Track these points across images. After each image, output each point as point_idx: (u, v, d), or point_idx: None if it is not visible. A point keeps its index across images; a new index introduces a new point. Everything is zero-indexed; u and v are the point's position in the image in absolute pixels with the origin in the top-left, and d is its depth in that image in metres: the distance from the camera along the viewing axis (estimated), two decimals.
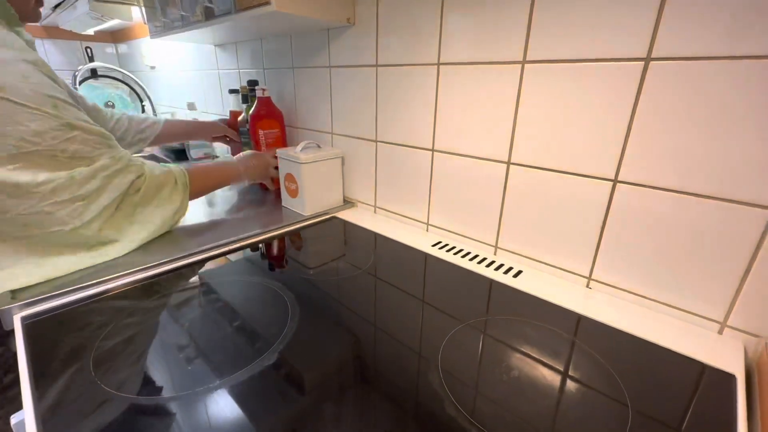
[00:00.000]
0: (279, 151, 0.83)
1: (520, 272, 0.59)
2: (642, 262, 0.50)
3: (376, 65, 0.73)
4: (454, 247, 0.68)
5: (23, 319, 0.47)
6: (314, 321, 0.48)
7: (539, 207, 0.57)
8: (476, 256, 0.65)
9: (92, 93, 1.82)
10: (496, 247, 0.65)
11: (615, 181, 0.49)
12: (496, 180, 0.61)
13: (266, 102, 0.93)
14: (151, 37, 1.06)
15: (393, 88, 0.72)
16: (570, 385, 0.38)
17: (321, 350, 0.43)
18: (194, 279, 0.57)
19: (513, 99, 0.56)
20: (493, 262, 0.62)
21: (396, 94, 0.72)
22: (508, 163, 0.59)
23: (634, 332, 0.45)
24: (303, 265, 0.63)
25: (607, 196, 0.50)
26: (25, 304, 0.49)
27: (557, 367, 0.40)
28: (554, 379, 0.39)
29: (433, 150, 0.69)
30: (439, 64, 0.63)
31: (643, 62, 0.44)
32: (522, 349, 0.43)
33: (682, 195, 0.45)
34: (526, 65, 0.53)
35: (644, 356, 0.42)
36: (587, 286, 0.56)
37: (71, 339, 0.44)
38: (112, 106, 1.88)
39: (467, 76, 0.60)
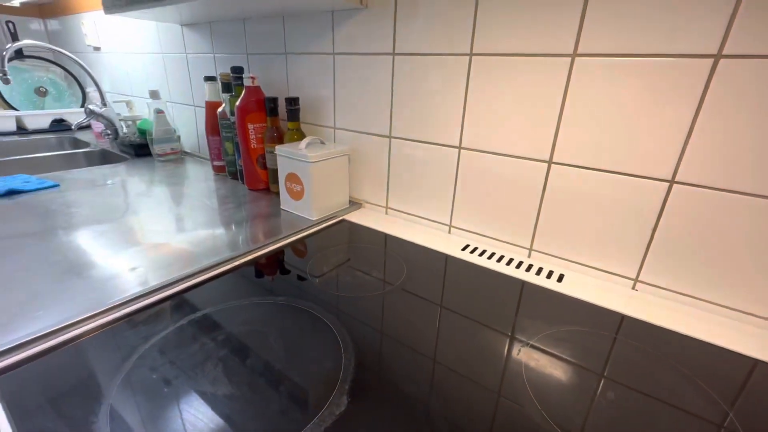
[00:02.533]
0: (279, 148, 0.74)
1: (562, 276, 0.57)
2: (698, 263, 0.49)
3: (393, 53, 0.67)
4: (485, 251, 0.64)
5: None
6: (374, 353, 0.41)
7: (583, 208, 0.55)
8: (511, 259, 0.61)
9: (18, 77, 1.55)
10: (530, 249, 0.62)
11: (672, 182, 0.48)
12: (534, 180, 0.58)
13: (256, 92, 0.82)
14: (105, 12, 0.90)
15: (413, 80, 0.66)
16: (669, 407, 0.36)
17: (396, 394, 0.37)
18: (205, 307, 0.48)
19: (559, 95, 0.53)
20: (531, 266, 0.60)
21: (416, 86, 0.66)
22: (550, 162, 0.56)
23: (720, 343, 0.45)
24: (329, 280, 0.56)
25: (663, 197, 0.49)
26: None
27: (652, 387, 0.38)
28: (655, 401, 0.37)
29: (460, 147, 0.65)
30: (471, 54, 0.58)
31: (712, 59, 0.42)
32: (608, 368, 0.40)
33: (744, 196, 0.44)
34: (577, 58, 0.50)
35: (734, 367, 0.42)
36: (633, 288, 0.55)
37: (62, 398, 0.34)
38: (45, 92, 1.62)
39: (504, 69, 0.56)
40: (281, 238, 0.66)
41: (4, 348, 0.38)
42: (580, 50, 0.50)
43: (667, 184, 0.48)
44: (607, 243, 0.55)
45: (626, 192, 0.51)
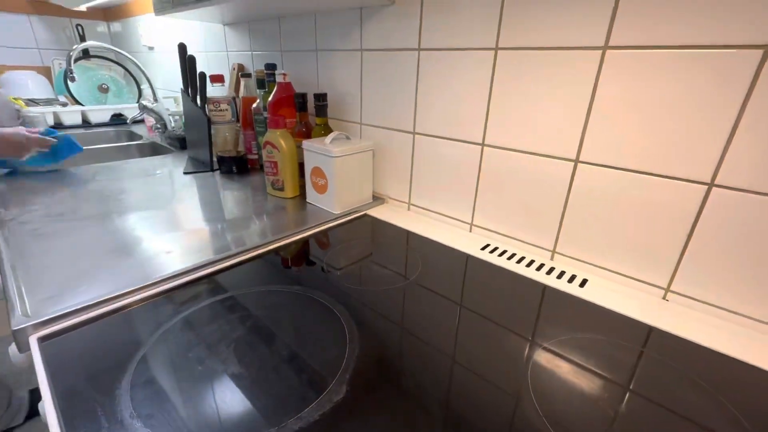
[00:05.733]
0: (305, 143, 0.76)
1: (585, 281, 0.54)
2: (737, 274, 0.45)
3: (419, 49, 0.66)
4: (505, 251, 0.62)
5: (40, 339, 0.41)
6: (379, 346, 0.42)
7: (611, 210, 0.52)
8: (532, 261, 0.59)
9: (84, 75, 1.71)
10: (553, 252, 0.60)
11: (711, 185, 0.44)
12: (559, 179, 0.56)
13: (287, 88, 0.85)
14: (155, 14, 0.97)
15: (437, 75, 0.65)
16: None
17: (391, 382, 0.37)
18: (227, 291, 0.51)
19: (588, 90, 0.50)
20: (552, 269, 0.57)
21: (440, 81, 0.65)
22: (576, 161, 0.54)
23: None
24: (346, 273, 0.57)
25: (700, 201, 0.45)
26: (41, 322, 0.42)
27: (673, 403, 0.36)
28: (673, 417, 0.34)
29: (483, 144, 0.63)
30: (497, 49, 0.57)
31: (762, 51, 0.38)
32: (626, 381, 0.38)
33: None
34: (608, 51, 0.47)
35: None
36: (663, 298, 0.51)
37: (99, 363, 0.38)
38: (107, 89, 1.77)
39: (530, 63, 0.54)
40: (303, 230, 0.68)
41: (53, 315, 0.43)
42: (612, 42, 0.47)
43: (705, 187, 0.45)
44: (637, 248, 0.51)
45: (659, 194, 0.48)
